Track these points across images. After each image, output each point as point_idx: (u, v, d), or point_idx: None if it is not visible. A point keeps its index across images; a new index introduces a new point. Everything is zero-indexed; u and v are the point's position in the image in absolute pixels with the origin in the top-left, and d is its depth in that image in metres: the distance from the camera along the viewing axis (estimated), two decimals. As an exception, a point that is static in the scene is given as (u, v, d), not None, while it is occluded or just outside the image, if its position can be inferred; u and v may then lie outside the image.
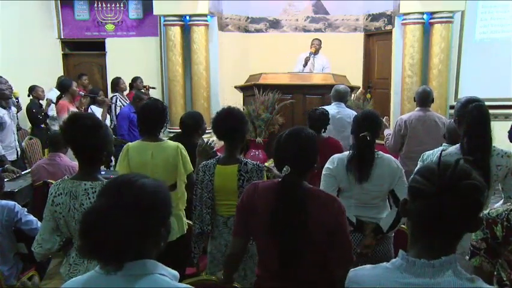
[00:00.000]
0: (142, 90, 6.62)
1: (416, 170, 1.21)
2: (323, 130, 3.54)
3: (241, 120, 2.50)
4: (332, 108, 4.23)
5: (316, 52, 6.45)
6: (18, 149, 4.94)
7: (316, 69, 6.42)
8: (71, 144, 1.92)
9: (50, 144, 4.05)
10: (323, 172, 2.42)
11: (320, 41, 6.54)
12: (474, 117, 2.35)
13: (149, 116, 2.76)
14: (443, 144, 3.23)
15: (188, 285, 1.20)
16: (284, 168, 1.67)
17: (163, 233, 1.17)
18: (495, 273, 1.73)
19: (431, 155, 3.13)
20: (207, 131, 6.70)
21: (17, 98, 5.56)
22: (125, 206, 1.08)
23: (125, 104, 5.95)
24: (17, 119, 5.64)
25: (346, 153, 2.48)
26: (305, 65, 6.38)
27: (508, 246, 1.69)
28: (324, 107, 4.35)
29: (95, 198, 1.80)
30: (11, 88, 5.26)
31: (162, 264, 1.17)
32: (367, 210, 2.41)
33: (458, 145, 2.51)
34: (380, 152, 2.43)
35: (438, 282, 1.08)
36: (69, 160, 3.83)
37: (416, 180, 1.15)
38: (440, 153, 1.16)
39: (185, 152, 2.75)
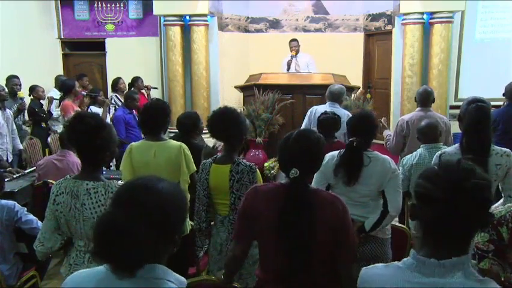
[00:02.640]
0: (143, 91, 6.63)
1: (419, 174, 1.21)
2: (333, 136, 3.54)
3: (235, 120, 2.47)
4: (325, 108, 4.24)
5: (297, 53, 6.51)
6: (10, 153, 4.84)
7: (302, 69, 6.49)
8: (75, 144, 1.92)
9: (61, 141, 4.07)
10: None
11: (297, 41, 6.61)
12: (473, 117, 2.37)
13: (152, 115, 2.78)
14: (421, 145, 3.27)
15: None
16: (292, 171, 1.67)
17: (177, 239, 1.16)
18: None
19: (410, 159, 3.18)
20: (204, 131, 6.75)
21: (22, 99, 5.56)
22: (141, 215, 1.07)
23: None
24: (21, 119, 5.64)
25: (337, 151, 2.48)
26: (288, 68, 6.43)
27: None
28: (317, 107, 4.36)
29: (97, 198, 1.80)
30: (19, 88, 5.28)
31: (171, 271, 1.16)
32: (356, 208, 2.39)
33: (457, 144, 2.53)
34: (375, 152, 2.41)
35: (447, 282, 1.09)
36: (76, 157, 3.85)
37: (420, 185, 1.15)
38: (440, 156, 1.17)
39: (188, 152, 2.76)
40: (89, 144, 1.84)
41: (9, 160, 4.82)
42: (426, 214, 1.13)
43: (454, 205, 1.07)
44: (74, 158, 3.85)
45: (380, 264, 1.25)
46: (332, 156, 2.45)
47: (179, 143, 2.80)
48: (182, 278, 1.19)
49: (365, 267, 1.27)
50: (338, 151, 2.45)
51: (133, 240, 1.04)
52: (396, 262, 1.21)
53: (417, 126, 3.88)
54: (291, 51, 6.52)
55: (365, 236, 2.36)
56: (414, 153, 3.27)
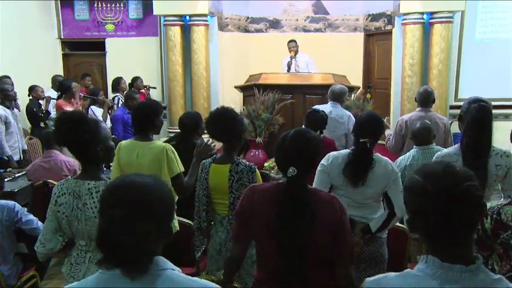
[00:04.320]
0: (143, 90, 6.63)
1: (404, 185, 1.19)
2: (319, 132, 3.62)
3: (233, 120, 2.46)
4: (327, 108, 4.25)
5: (295, 54, 6.55)
6: (21, 150, 4.95)
7: (301, 69, 6.53)
8: (63, 142, 1.92)
9: (44, 142, 4.07)
10: (318, 168, 2.41)
11: (295, 42, 6.64)
12: (473, 117, 2.37)
13: (141, 115, 2.75)
14: (414, 146, 3.28)
15: (198, 278, 1.21)
16: (290, 170, 1.66)
17: (169, 229, 1.20)
18: (489, 266, 1.74)
19: (403, 160, 3.20)
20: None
21: (15, 100, 5.55)
22: (135, 213, 1.09)
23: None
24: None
25: (342, 151, 2.47)
26: (289, 69, 6.46)
27: (496, 239, 1.71)
28: (319, 106, 4.36)
29: (98, 198, 1.80)
30: (12, 86, 5.27)
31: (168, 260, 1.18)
32: (360, 210, 2.40)
33: (457, 145, 2.53)
34: (377, 154, 2.41)
35: (474, 285, 1.07)
36: (63, 155, 3.86)
37: (411, 201, 1.14)
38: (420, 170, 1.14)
39: (172, 154, 2.66)
40: (78, 140, 1.84)
41: (21, 158, 4.89)
42: (424, 226, 1.11)
43: (450, 213, 1.06)
44: (60, 157, 3.85)
45: (391, 274, 1.19)
46: (335, 157, 2.43)
47: (164, 144, 2.74)
48: (178, 268, 1.20)
49: (371, 279, 1.21)
50: (346, 151, 2.44)
51: (137, 239, 1.06)
52: (409, 270, 1.16)
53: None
54: (289, 52, 6.55)
55: (370, 237, 2.36)
56: (408, 154, 3.28)
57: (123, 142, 2.81)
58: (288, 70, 6.46)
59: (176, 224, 2.76)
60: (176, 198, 2.76)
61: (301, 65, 6.54)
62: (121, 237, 1.06)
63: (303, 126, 3.64)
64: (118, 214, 1.08)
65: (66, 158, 3.83)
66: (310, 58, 6.65)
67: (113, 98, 6.38)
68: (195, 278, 1.20)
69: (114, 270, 1.09)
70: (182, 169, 2.71)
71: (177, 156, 2.70)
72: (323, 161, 2.43)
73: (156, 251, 1.15)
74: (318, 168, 2.41)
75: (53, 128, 5.47)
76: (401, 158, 3.29)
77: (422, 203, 1.09)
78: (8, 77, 5.45)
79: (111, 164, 2.77)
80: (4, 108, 4.74)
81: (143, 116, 2.73)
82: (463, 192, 1.06)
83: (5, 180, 3.73)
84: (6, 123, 4.69)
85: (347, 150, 2.45)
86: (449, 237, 1.09)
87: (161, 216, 1.14)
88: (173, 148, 2.71)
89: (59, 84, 5.79)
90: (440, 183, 1.07)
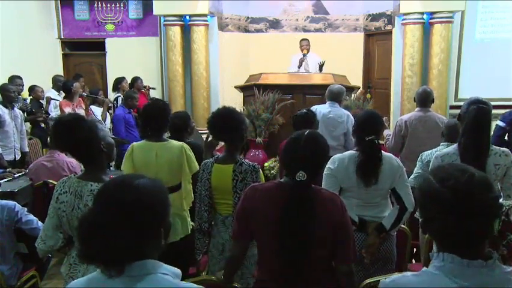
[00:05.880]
0: (143, 91, 6.64)
1: (419, 187, 1.18)
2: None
3: (236, 120, 2.48)
4: (325, 108, 4.24)
5: (308, 52, 6.55)
6: (17, 150, 4.94)
7: (311, 69, 6.49)
8: (62, 145, 1.91)
9: (50, 142, 4.08)
10: (325, 172, 2.41)
11: (308, 41, 6.64)
12: (472, 118, 2.38)
13: (151, 116, 2.78)
14: (441, 143, 3.26)
15: (191, 284, 1.19)
16: (300, 174, 1.65)
17: (162, 233, 1.17)
18: None
19: (429, 155, 3.17)
20: (204, 131, 6.76)
21: (25, 99, 5.57)
22: (121, 211, 1.08)
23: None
24: (23, 120, 5.64)
25: (346, 153, 2.47)
26: (300, 66, 6.45)
27: (503, 241, 1.71)
28: (318, 106, 4.36)
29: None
30: (21, 89, 5.31)
31: (163, 264, 1.17)
32: (369, 210, 2.41)
33: (455, 145, 2.53)
34: (382, 151, 2.41)
35: (491, 282, 1.07)
36: (66, 156, 3.87)
37: (426, 206, 1.14)
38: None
39: (190, 152, 2.76)
40: (76, 140, 1.82)
41: (17, 158, 4.89)
42: (440, 230, 1.12)
43: (468, 221, 1.06)
44: (63, 157, 3.87)
45: (408, 273, 1.19)
46: (341, 159, 2.43)
47: (180, 143, 2.80)
48: (177, 270, 1.19)
49: (387, 280, 1.20)
50: (349, 153, 2.44)
51: (114, 237, 1.05)
52: (426, 269, 1.15)
53: (415, 126, 3.89)
54: (302, 51, 6.52)
55: (385, 235, 2.36)
56: (434, 149, 3.25)
57: (136, 144, 2.84)
58: (300, 66, 6.44)
59: (190, 226, 2.78)
60: (193, 196, 2.80)
61: (312, 65, 6.52)
62: (95, 235, 1.05)
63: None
64: (100, 209, 1.08)
65: (69, 159, 3.84)
66: (320, 60, 6.64)
67: (115, 99, 6.38)
68: (182, 282, 1.17)
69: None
70: (198, 167, 2.76)
71: (193, 154, 2.78)
72: (329, 165, 2.42)
73: (145, 254, 1.13)
74: (325, 172, 2.41)
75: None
76: (426, 152, 3.25)
77: (439, 210, 1.09)
78: (20, 78, 5.49)
79: (110, 164, 2.78)
80: (1, 107, 4.74)
81: (156, 117, 2.77)
82: (484, 204, 1.06)
83: (4, 180, 3.75)
84: (1, 122, 4.69)
85: (351, 152, 2.45)
86: (467, 240, 1.09)
87: (147, 220, 1.11)
88: (189, 147, 2.78)
89: (63, 85, 5.81)
90: (460, 192, 1.07)
